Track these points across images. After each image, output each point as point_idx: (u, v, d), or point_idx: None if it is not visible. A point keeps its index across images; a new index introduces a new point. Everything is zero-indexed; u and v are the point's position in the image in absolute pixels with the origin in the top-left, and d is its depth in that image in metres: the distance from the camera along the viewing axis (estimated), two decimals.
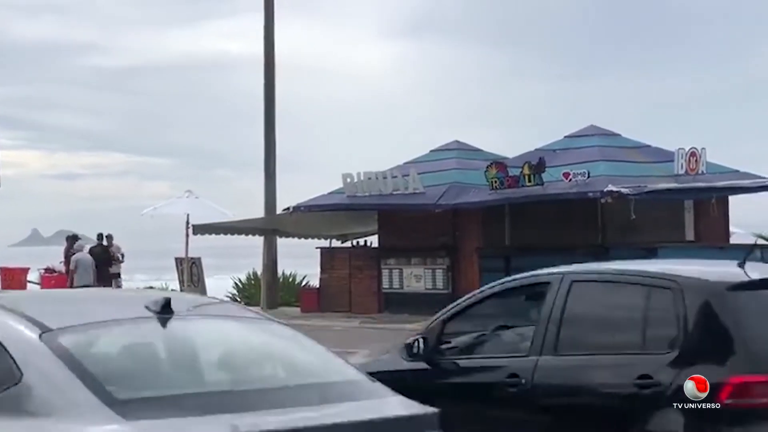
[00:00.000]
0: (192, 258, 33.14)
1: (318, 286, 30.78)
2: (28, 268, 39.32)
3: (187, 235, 32.31)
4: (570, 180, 24.11)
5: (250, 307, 9.93)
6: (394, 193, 27.41)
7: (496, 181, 25.26)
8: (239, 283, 37.99)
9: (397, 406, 5.59)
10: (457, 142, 30.03)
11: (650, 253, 24.03)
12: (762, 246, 28.45)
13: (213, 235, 32.26)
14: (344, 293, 29.37)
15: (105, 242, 34.90)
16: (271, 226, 32.49)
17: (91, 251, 34.86)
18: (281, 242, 33.39)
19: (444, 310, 9.09)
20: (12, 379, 5.23)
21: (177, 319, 5.83)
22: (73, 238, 35.59)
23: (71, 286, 34.54)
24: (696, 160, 25.06)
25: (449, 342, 8.87)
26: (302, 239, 33.47)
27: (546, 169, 24.42)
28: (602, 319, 7.87)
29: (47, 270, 38.54)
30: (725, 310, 6.94)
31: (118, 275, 35.87)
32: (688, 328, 6.99)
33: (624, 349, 7.42)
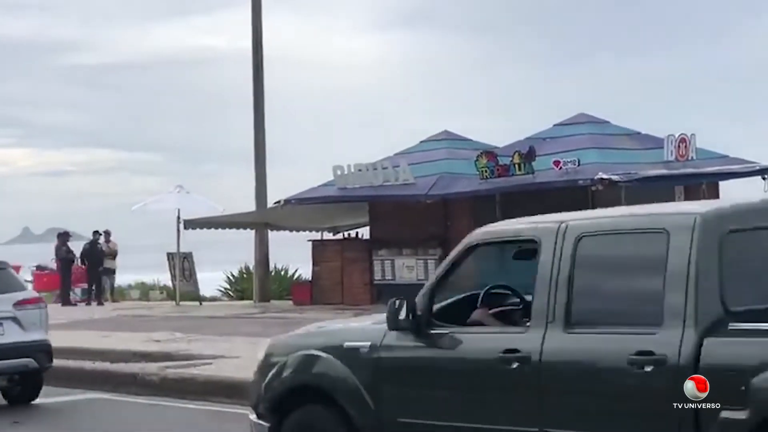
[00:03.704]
0: (183, 253, 33.11)
1: (310, 279, 30.76)
2: (20, 267, 39.28)
3: (179, 230, 32.26)
4: (560, 168, 24.12)
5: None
6: (385, 184, 27.39)
7: (486, 171, 25.25)
8: (231, 278, 37.98)
9: None
10: (447, 132, 29.98)
11: None
12: None
13: (204, 230, 32.25)
14: (336, 285, 29.35)
15: (94, 238, 34.94)
16: (263, 220, 32.47)
17: (83, 249, 34.91)
18: (272, 235, 33.36)
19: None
20: None
21: None
22: (64, 236, 35.56)
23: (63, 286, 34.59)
24: (686, 147, 25.09)
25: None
26: (294, 232, 33.44)
27: (536, 157, 24.42)
28: None
29: (39, 268, 38.52)
30: None
31: (113, 272, 35.90)
32: None
33: None
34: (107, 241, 35.34)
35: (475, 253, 8.24)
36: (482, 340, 8.02)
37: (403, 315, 8.15)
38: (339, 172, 28.22)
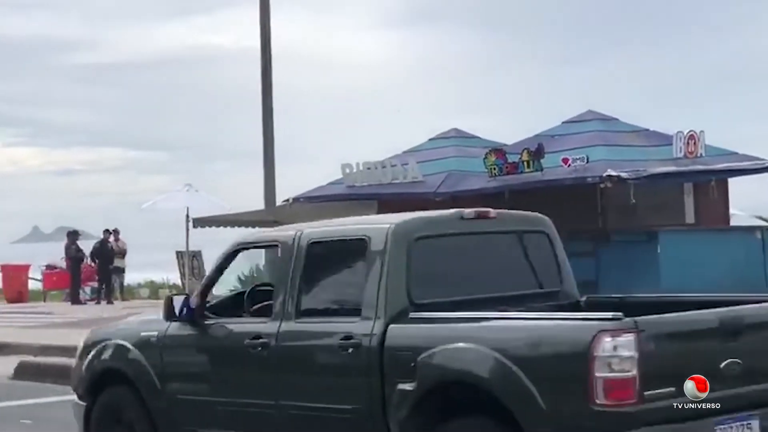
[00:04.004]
0: (192, 251, 33.17)
1: None
2: (29, 266, 39.38)
3: (188, 229, 32.31)
4: (569, 165, 24.08)
5: None
6: (393, 182, 27.37)
7: (495, 168, 25.22)
8: (242, 276, 38.04)
9: None
10: (456, 129, 29.96)
11: (651, 237, 24.07)
12: (763, 228, 28.47)
13: (213, 228, 32.28)
14: None
15: (105, 237, 35.03)
16: (271, 218, 32.45)
17: (93, 247, 35.03)
18: None
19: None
20: None
21: None
22: (73, 234, 35.64)
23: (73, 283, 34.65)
24: (695, 143, 25.02)
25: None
26: None
27: (545, 155, 24.40)
28: None
29: (48, 267, 38.62)
30: None
31: (122, 270, 35.98)
32: None
33: None
34: (116, 239, 35.45)
35: (240, 255, 10.21)
36: (238, 329, 9.62)
37: (180, 310, 9.81)
38: (347, 170, 28.23)
